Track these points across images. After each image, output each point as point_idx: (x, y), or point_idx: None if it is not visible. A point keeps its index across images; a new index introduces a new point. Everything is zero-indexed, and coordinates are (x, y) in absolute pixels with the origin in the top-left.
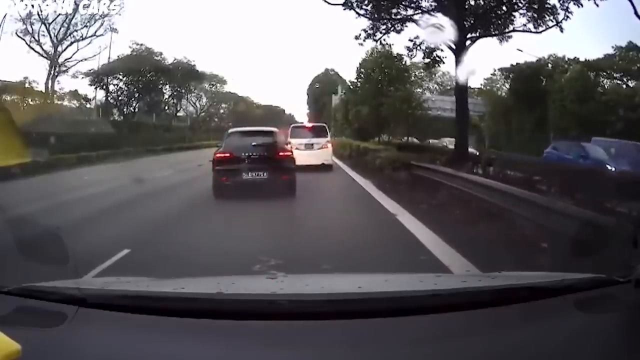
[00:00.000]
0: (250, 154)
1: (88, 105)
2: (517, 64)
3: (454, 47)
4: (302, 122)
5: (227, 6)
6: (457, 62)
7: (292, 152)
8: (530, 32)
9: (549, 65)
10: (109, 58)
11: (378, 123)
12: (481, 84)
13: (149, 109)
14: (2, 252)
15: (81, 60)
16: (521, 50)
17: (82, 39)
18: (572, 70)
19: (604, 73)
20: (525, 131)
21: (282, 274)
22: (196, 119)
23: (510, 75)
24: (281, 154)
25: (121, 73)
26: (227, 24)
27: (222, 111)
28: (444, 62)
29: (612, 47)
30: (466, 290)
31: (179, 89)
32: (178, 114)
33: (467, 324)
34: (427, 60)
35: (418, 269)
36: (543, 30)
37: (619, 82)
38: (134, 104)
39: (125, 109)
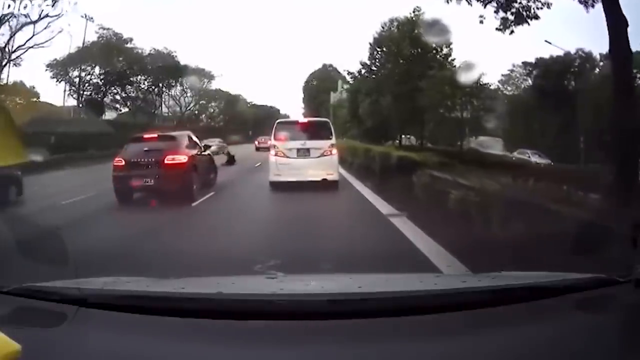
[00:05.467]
0: (141, 160)
1: (34, 99)
2: (540, 58)
3: None
4: (291, 118)
5: None
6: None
7: (188, 157)
8: None
9: (578, 60)
10: (83, 44)
11: (411, 117)
12: (498, 81)
13: (120, 105)
14: (2, 252)
15: (32, 47)
16: (550, 42)
17: (32, 22)
18: (606, 66)
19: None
20: (551, 134)
21: (282, 274)
22: (181, 117)
23: (534, 71)
24: (171, 160)
25: (88, 64)
26: (216, 17)
27: (211, 110)
28: (537, 18)
29: None
30: (466, 290)
31: (159, 84)
32: (162, 112)
33: (467, 324)
34: (503, 15)
35: None
36: None
37: None
38: (101, 99)
39: (92, 106)
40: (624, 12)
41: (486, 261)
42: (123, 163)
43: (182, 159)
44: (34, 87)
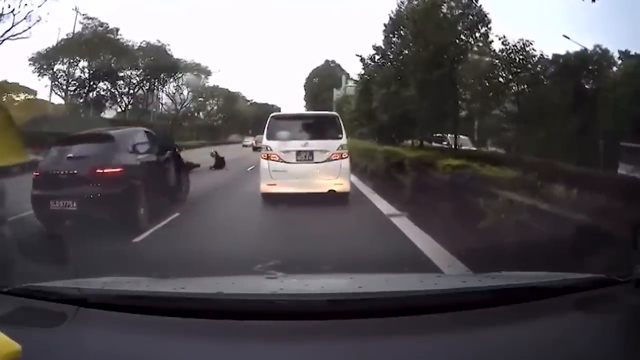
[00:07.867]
0: (62, 172)
1: (31, 97)
2: (556, 54)
3: None
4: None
5: None
6: None
7: (127, 167)
8: None
9: (595, 57)
10: (73, 35)
11: (442, 112)
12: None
13: (107, 101)
14: (3, 252)
15: (8, 38)
16: (568, 37)
17: (11, 12)
18: (626, 65)
19: None
20: (568, 135)
21: (282, 274)
22: (176, 115)
23: (552, 68)
24: (101, 173)
25: (71, 57)
26: (212, 9)
27: (209, 108)
28: None
29: None
30: (467, 290)
31: (152, 79)
32: (154, 109)
33: (467, 324)
34: None
35: None
36: None
37: None
38: (85, 95)
39: (76, 101)
40: (624, 12)
41: None
42: (40, 175)
43: (119, 170)
44: (7, 81)
